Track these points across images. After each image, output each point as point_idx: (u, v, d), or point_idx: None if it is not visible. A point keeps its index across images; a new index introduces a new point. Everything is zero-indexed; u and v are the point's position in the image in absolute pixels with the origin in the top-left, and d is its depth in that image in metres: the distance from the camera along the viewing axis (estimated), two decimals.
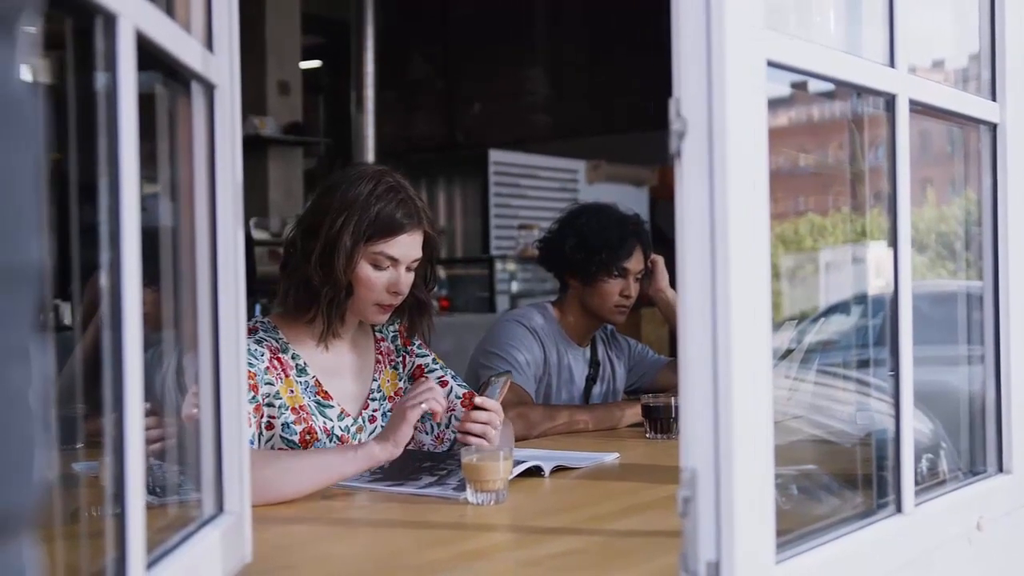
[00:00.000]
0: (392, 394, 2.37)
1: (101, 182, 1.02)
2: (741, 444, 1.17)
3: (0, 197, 0.55)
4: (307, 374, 2.24)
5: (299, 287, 2.21)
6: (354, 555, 1.64)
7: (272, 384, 2.15)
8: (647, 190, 8.71)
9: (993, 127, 1.83)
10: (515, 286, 7.82)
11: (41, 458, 0.59)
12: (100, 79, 1.02)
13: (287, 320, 2.27)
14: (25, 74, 0.59)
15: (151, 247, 1.19)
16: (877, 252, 1.91)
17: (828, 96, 1.74)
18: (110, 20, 1.00)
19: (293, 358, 2.23)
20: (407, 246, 2.22)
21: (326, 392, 2.25)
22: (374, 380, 2.36)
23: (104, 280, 1.01)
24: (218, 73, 1.37)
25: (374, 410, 2.34)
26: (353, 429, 2.28)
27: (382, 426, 2.30)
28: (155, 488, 1.38)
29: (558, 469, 2.20)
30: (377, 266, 2.20)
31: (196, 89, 1.35)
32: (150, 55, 1.12)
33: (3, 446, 0.56)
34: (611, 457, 2.37)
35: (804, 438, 1.86)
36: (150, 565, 1.10)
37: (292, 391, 2.20)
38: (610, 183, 8.57)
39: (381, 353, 2.40)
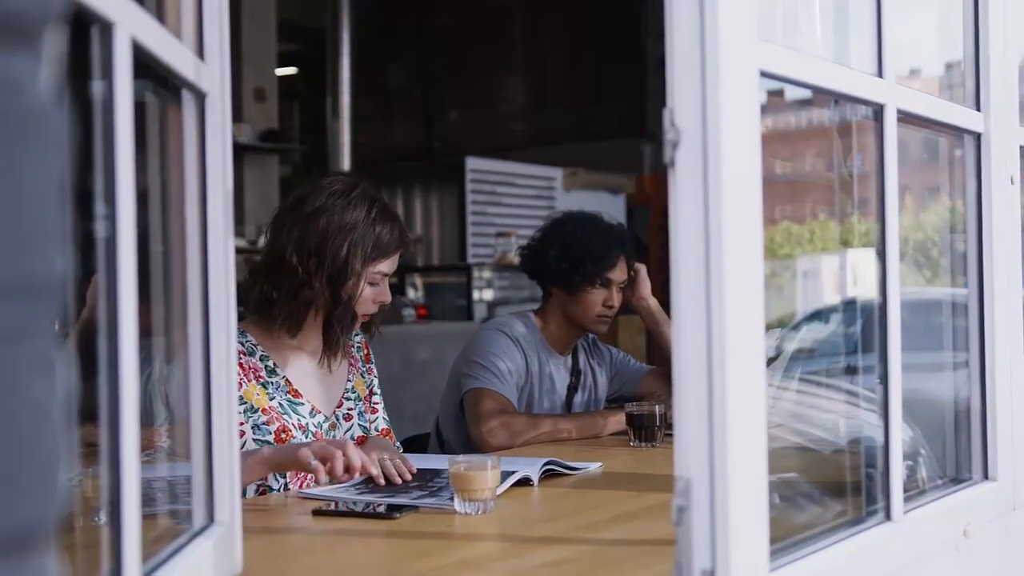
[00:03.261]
0: (364, 396, 2.47)
1: (96, 190, 1.01)
2: (736, 452, 1.17)
3: (25, 209, 0.55)
4: (277, 375, 2.30)
5: (303, 307, 2.28)
6: (343, 566, 1.63)
7: None
8: (624, 197, 8.73)
9: (977, 136, 1.84)
10: (493, 294, 7.81)
11: (64, 470, 0.59)
12: (96, 87, 1.02)
13: (260, 324, 2.32)
14: (49, 84, 0.58)
15: (140, 255, 1.18)
16: (855, 260, 1.92)
17: (804, 104, 1.75)
18: (106, 28, 0.99)
19: (262, 360, 2.29)
20: (396, 261, 2.36)
21: (296, 391, 2.31)
22: (348, 380, 2.44)
23: (101, 287, 1.01)
24: (209, 81, 1.36)
25: (349, 408, 2.42)
26: (326, 426, 2.35)
27: (359, 424, 2.42)
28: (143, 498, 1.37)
29: (547, 474, 2.20)
30: (372, 283, 2.32)
31: (187, 97, 1.34)
32: (143, 63, 1.11)
33: (29, 459, 0.55)
34: (595, 466, 2.37)
35: (788, 446, 1.87)
36: None
37: (259, 394, 2.25)
38: (587, 191, 8.58)
39: (352, 357, 2.48)
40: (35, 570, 0.56)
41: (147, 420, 1.60)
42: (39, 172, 0.56)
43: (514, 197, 8.54)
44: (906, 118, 1.61)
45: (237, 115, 7.41)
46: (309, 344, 2.36)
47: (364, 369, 2.51)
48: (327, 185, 2.31)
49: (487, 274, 7.83)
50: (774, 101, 1.55)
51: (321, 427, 2.32)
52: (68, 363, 0.61)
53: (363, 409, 2.45)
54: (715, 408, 1.16)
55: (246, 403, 2.21)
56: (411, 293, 7.67)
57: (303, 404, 2.31)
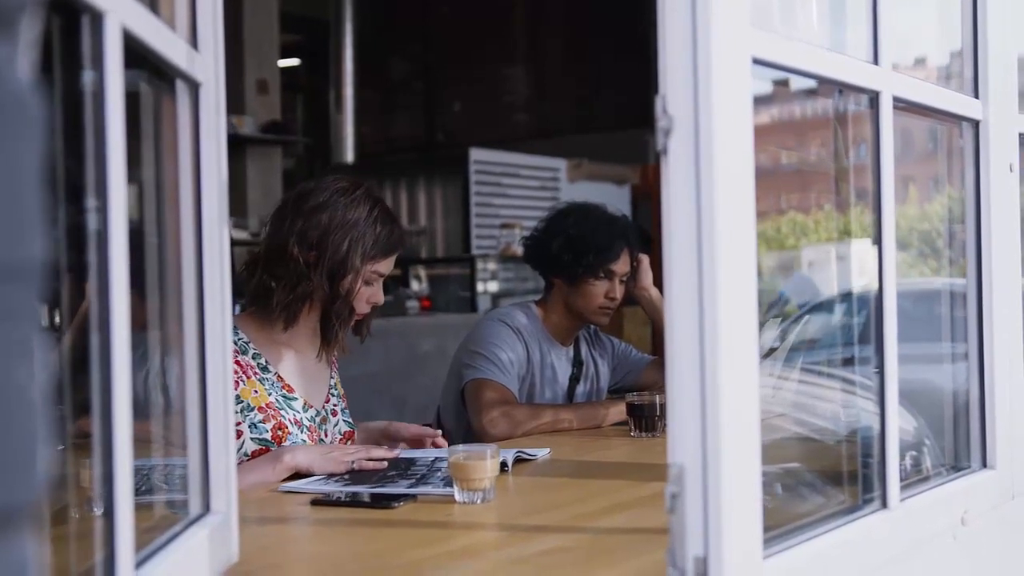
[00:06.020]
0: (342, 395, 2.52)
1: (87, 182, 1.02)
2: (728, 439, 1.17)
3: (5, 194, 0.55)
4: (270, 371, 2.32)
5: (301, 299, 2.30)
6: (340, 555, 1.63)
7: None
8: (628, 188, 8.72)
9: (976, 124, 1.84)
10: (497, 286, 7.81)
11: (44, 454, 0.60)
12: (86, 77, 1.02)
13: (252, 320, 2.35)
14: (27, 70, 0.59)
15: (134, 248, 1.19)
16: (860, 250, 1.92)
17: (810, 94, 1.75)
18: (97, 18, 0.99)
19: (254, 357, 2.32)
20: (392, 263, 2.39)
21: (289, 386, 2.34)
22: (331, 378, 2.48)
23: (92, 279, 1.01)
24: (203, 71, 1.36)
25: (334, 405, 2.46)
26: (318, 420, 2.38)
27: (344, 420, 2.46)
28: (138, 487, 1.38)
29: (519, 461, 2.25)
30: (367, 282, 2.34)
31: (181, 87, 1.34)
32: (135, 53, 1.11)
33: (7, 441, 0.56)
34: (544, 452, 2.41)
35: (788, 436, 1.87)
36: (138, 565, 1.09)
37: (256, 391, 2.28)
38: (591, 182, 8.57)
39: (333, 356, 2.51)
40: (13, 551, 0.56)
41: (149, 413, 1.61)
42: (16, 157, 0.56)
43: (518, 188, 8.54)
44: (902, 106, 1.60)
45: (240, 107, 7.42)
46: (299, 340, 2.38)
47: (338, 368, 2.56)
48: (331, 182, 2.34)
49: (491, 266, 7.83)
50: (780, 91, 1.55)
51: (314, 421, 2.35)
52: (49, 348, 0.62)
53: (344, 406, 2.50)
54: (707, 394, 1.17)
55: (243, 402, 2.23)
56: (415, 285, 7.67)
57: (296, 399, 2.34)
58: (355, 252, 2.28)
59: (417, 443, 2.43)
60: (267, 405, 2.26)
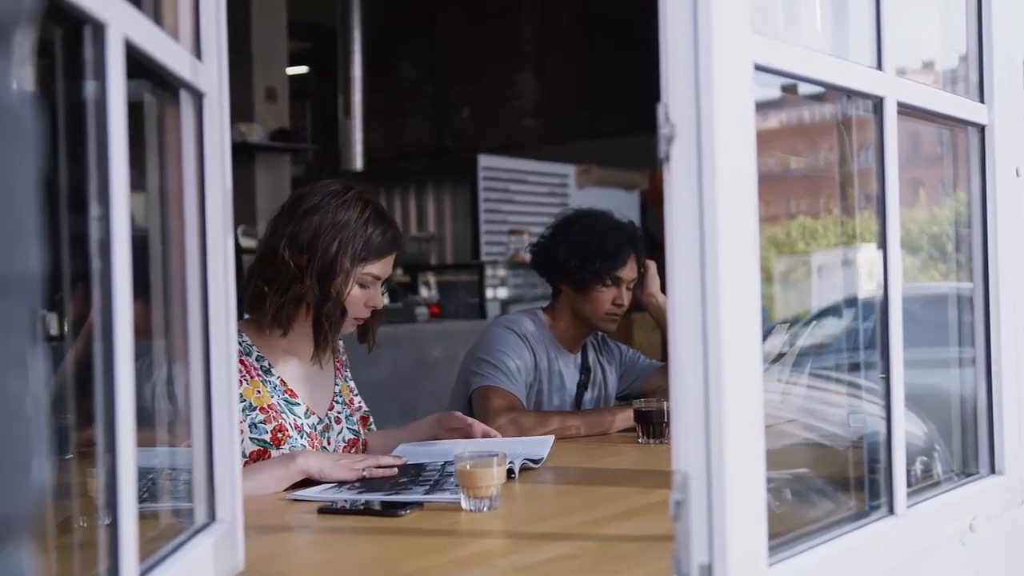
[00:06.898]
0: (348, 401, 2.50)
1: (90, 191, 1.02)
2: (732, 446, 1.17)
3: (0, 207, 0.55)
4: (273, 375, 2.33)
5: (293, 302, 2.30)
6: (347, 563, 1.63)
7: None
8: (637, 194, 8.71)
9: (981, 128, 1.83)
10: (506, 292, 7.80)
11: (39, 465, 0.60)
12: (89, 87, 1.02)
13: (255, 325, 2.36)
14: (21, 83, 0.59)
15: (139, 257, 1.19)
16: (868, 255, 1.92)
17: (818, 99, 1.75)
18: (99, 29, 1.00)
19: (258, 360, 2.33)
20: (389, 265, 2.38)
21: (292, 391, 2.35)
22: (335, 384, 2.48)
23: (95, 290, 1.01)
24: (207, 81, 1.37)
25: (338, 412, 2.46)
26: (320, 428, 2.38)
27: (347, 428, 2.46)
28: (143, 495, 1.38)
29: (524, 469, 2.24)
30: (362, 285, 2.34)
31: (185, 97, 1.35)
32: (138, 63, 1.12)
33: (2, 453, 0.56)
34: (547, 440, 2.44)
35: (796, 441, 1.86)
36: (143, 574, 1.09)
37: (259, 392, 2.29)
38: (600, 187, 8.56)
39: (338, 362, 2.52)
40: (8, 563, 0.56)
41: (155, 422, 1.62)
42: (11, 170, 0.56)
43: (527, 195, 8.53)
44: (907, 111, 1.60)
45: (248, 115, 7.42)
46: (300, 347, 2.38)
47: (346, 375, 2.55)
48: (324, 185, 2.36)
49: (500, 272, 7.82)
50: (789, 96, 1.55)
51: (315, 428, 2.35)
52: (53, 358, 0.62)
53: (349, 413, 2.49)
54: (711, 401, 1.16)
55: (245, 401, 2.24)
56: (424, 292, 7.67)
57: (299, 404, 2.34)
58: (344, 253, 2.28)
59: (465, 434, 2.48)
60: (269, 406, 2.27)
